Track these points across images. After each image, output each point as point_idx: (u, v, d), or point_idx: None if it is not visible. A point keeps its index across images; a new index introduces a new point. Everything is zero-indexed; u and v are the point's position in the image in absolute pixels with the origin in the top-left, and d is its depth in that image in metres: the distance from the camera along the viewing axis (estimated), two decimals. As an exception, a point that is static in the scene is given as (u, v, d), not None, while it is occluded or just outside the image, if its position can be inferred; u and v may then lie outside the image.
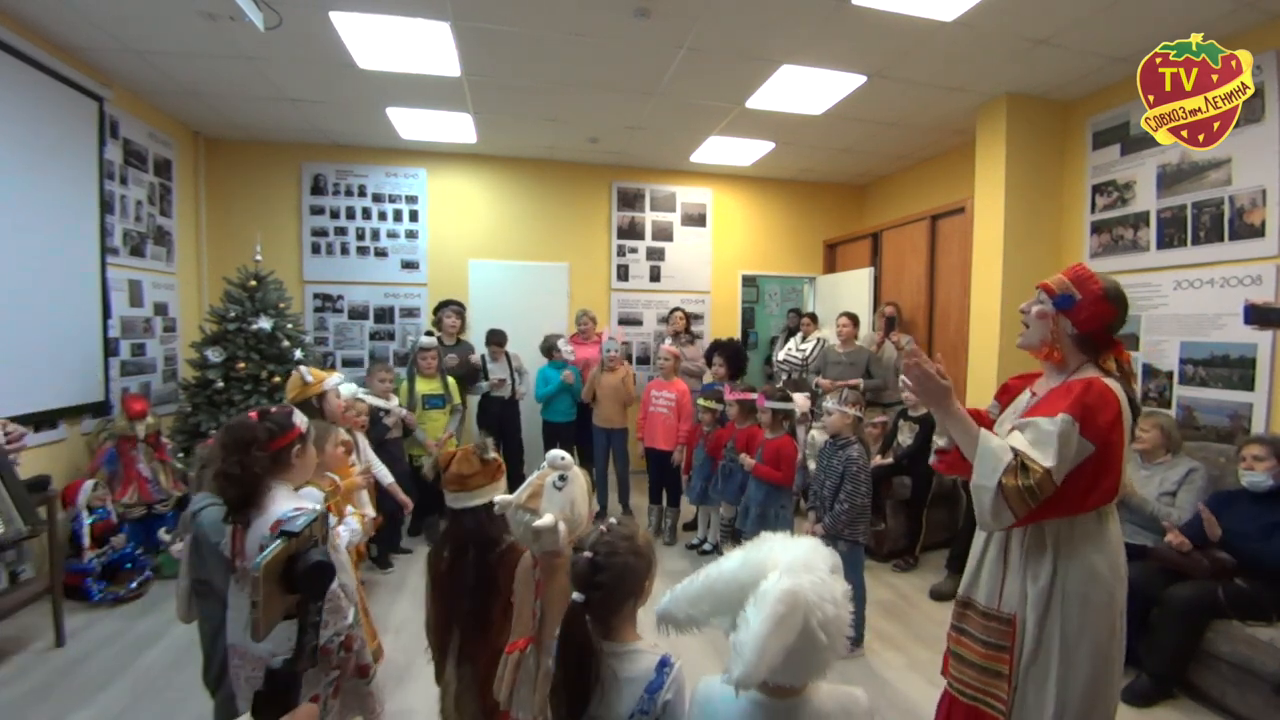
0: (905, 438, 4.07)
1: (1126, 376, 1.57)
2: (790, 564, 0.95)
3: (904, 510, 4.04)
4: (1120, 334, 1.65)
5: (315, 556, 0.83)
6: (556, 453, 1.52)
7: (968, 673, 1.65)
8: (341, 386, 2.81)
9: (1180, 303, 3.45)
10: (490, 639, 1.60)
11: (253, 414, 1.59)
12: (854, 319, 4.97)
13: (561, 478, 1.49)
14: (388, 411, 3.69)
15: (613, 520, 1.33)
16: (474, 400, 4.77)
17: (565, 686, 1.19)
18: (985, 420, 1.77)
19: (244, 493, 1.49)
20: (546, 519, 1.43)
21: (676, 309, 5.46)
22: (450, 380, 4.22)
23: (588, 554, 1.23)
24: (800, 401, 4.21)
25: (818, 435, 4.03)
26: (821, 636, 0.90)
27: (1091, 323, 1.57)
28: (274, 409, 1.63)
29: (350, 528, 2.16)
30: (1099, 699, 1.51)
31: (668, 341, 5.02)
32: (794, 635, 0.88)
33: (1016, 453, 1.44)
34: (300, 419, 1.64)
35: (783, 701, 1.00)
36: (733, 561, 0.99)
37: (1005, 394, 1.82)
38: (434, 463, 2.38)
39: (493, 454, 1.65)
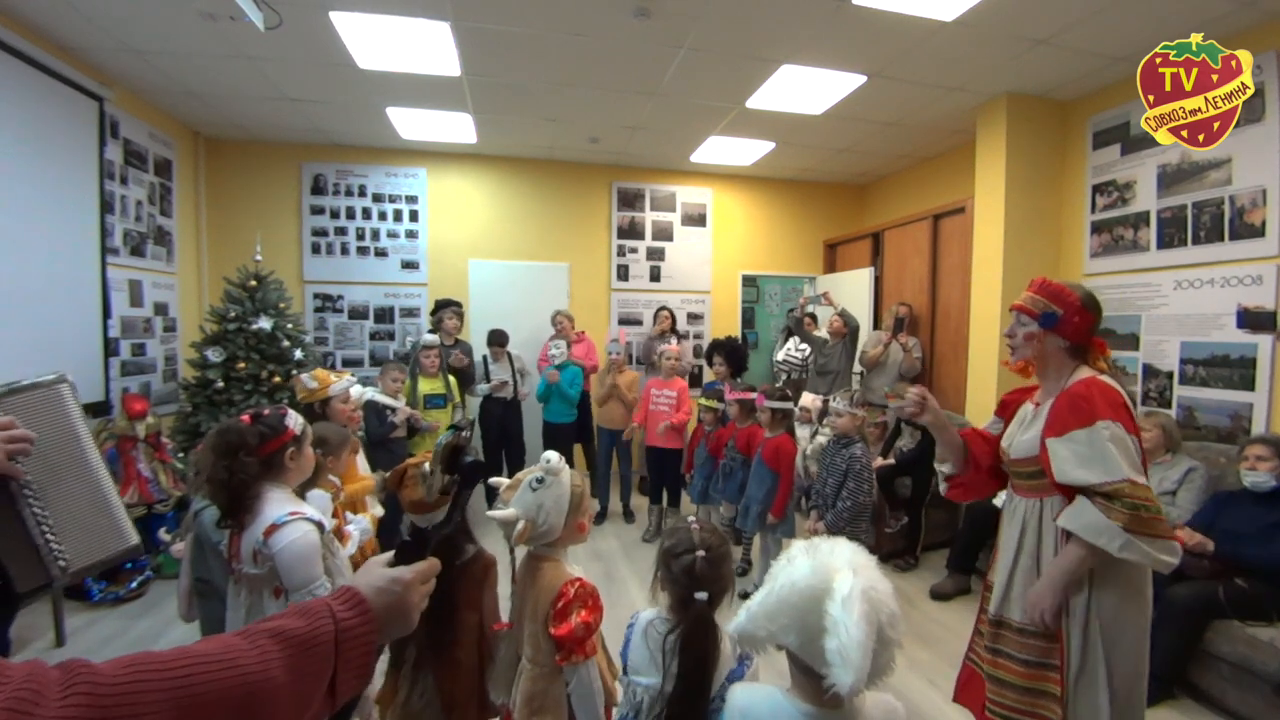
0: (906, 441, 4.07)
1: (1115, 372, 1.64)
2: (853, 563, 0.94)
3: (904, 510, 4.04)
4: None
5: (471, 456, 1.00)
6: (549, 454, 1.53)
7: (1009, 695, 1.60)
8: (355, 388, 2.82)
9: (1180, 303, 3.44)
10: (449, 654, 1.57)
11: (245, 416, 1.55)
12: (846, 318, 5.11)
13: (539, 479, 1.49)
14: (394, 410, 3.67)
15: (691, 519, 1.34)
16: (475, 401, 4.77)
17: (689, 691, 1.18)
18: (988, 438, 1.82)
19: (232, 498, 1.47)
20: (505, 512, 1.46)
21: (663, 307, 5.44)
22: (451, 379, 4.22)
23: (701, 553, 1.24)
24: (808, 401, 4.22)
25: (820, 438, 4.03)
26: (890, 633, 0.90)
27: (1080, 333, 1.62)
28: (267, 411, 1.60)
29: (361, 527, 2.16)
30: (1137, 688, 1.52)
31: (673, 341, 5.03)
32: (875, 635, 0.87)
33: (1090, 494, 1.44)
34: (294, 421, 1.61)
35: (834, 712, 0.97)
36: (801, 569, 0.96)
37: (1005, 409, 1.84)
38: (383, 483, 2.36)
39: (440, 480, 1.61)
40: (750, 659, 1.19)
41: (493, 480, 1.62)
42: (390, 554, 0.80)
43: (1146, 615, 1.53)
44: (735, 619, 1.01)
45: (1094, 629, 1.50)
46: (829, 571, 0.93)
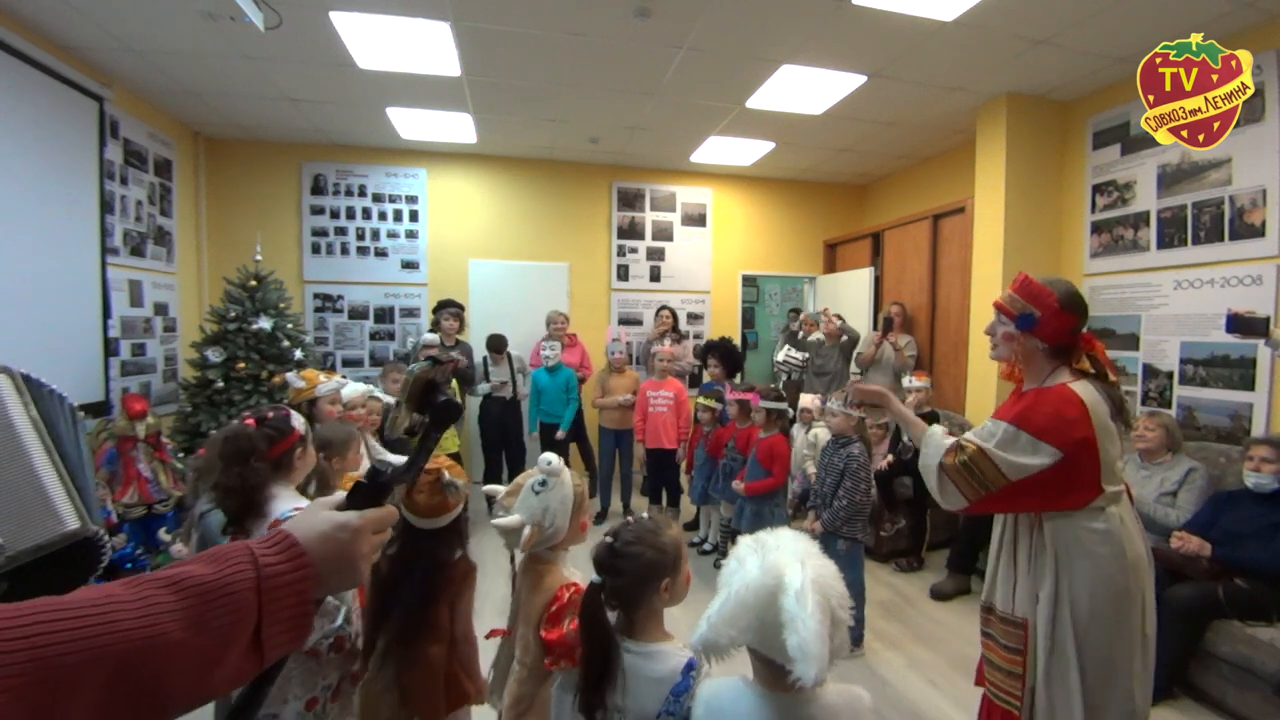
0: (908, 439, 4.07)
1: (1104, 371, 1.60)
2: (799, 554, 0.98)
3: (906, 511, 4.03)
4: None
5: (446, 394, 0.95)
6: (547, 456, 1.51)
7: (997, 676, 1.68)
8: (346, 389, 2.80)
9: (1180, 303, 3.44)
10: (415, 650, 1.56)
11: (249, 420, 1.55)
12: (840, 318, 5.23)
13: (541, 482, 1.47)
14: None
15: (645, 515, 1.33)
16: (475, 401, 4.77)
17: (585, 667, 1.19)
18: None
19: (244, 503, 1.46)
20: (511, 519, 1.45)
21: (664, 307, 5.44)
22: (451, 380, 4.23)
23: (608, 538, 1.25)
24: (808, 402, 4.22)
25: (821, 433, 4.02)
26: (842, 614, 0.94)
27: (1058, 335, 1.60)
28: (270, 413, 1.60)
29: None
30: (1112, 692, 1.52)
31: (667, 342, 5.02)
32: (829, 622, 0.91)
33: (958, 439, 1.58)
34: (299, 421, 1.62)
35: (792, 696, 1.00)
36: (751, 570, 0.98)
37: None
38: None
39: (460, 489, 1.54)
40: (696, 669, 1.16)
41: (488, 488, 1.61)
42: (339, 496, 0.72)
43: (1127, 613, 1.52)
44: (697, 630, 0.99)
45: (1064, 626, 1.52)
46: (778, 567, 0.96)
